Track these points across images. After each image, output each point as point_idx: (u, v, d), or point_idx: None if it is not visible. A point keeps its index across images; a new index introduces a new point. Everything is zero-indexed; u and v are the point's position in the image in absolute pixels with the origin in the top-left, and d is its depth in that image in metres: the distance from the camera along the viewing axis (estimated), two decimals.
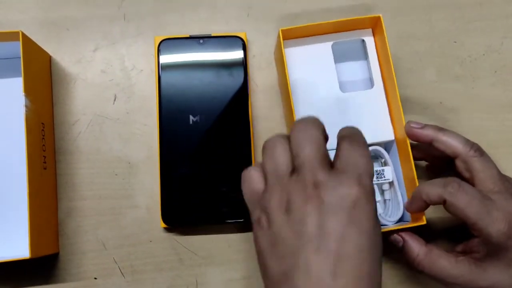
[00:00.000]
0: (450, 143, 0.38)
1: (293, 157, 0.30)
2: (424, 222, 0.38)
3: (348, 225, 0.28)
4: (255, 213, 0.31)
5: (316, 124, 0.31)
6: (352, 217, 0.28)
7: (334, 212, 0.28)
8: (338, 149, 0.31)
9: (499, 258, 0.35)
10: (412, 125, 0.39)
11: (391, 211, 0.42)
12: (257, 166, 0.33)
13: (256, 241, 0.30)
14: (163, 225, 0.42)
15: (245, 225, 0.44)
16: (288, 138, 0.31)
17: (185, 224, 0.43)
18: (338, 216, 0.28)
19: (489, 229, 0.34)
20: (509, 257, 0.35)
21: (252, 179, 0.32)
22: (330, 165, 0.30)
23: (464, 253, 0.38)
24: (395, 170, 0.42)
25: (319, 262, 0.27)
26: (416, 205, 0.37)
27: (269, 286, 0.29)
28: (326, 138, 0.31)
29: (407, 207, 0.39)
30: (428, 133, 0.38)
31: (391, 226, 0.40)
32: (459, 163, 0.38)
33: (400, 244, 0.39)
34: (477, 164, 0.37)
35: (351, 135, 0.32)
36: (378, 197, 0.42)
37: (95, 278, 0.43)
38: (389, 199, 0.42)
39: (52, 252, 0.42)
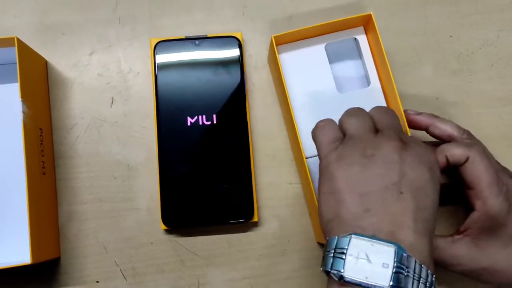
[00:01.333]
0: (445, 127, 0.40)
1: (375, 123, 0.34)
2: None
3: (431, 174, 0.31)
4: (331, 156, 0.33)
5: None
6: (431, 174, 0.31)
7: (418, 165, 0.31)
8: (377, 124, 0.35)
9: (497, 236, 0.36)
10: (409, 111, 0.41)
11: None
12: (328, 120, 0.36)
13: (333, 181, 0.32)
14: (164, 227, 0.42)
15: (245, 225, 0.44)
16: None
17: (186, 226, 0.43)
18: (421, 169, 0.31)
19: (494, 199, 0.35)
20: (506, 235, 0.36)
21: (330, 126, 0.35)
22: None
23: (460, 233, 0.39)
24: None
25: (406, 203, 0.30)
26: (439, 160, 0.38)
27: (341, 225, 0.30)
28: None
29: None
30: (424, 119, 0.40)
31: None
32: None
33: None
34: None
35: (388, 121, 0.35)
36: None
37: (97, 282, 0.43)
38: None
39: (53, 257, 0.42)
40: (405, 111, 0.40)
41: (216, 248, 0.44)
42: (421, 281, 0.28)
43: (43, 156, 0.42)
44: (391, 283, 0.27)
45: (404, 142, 0.32)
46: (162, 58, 0.44)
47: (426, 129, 0.41)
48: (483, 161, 0.36)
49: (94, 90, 0.46)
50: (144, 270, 0.43)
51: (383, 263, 0.27)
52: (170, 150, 0.43)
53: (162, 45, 0.44)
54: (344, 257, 0.28)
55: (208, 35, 0.45)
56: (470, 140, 0.39)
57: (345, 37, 0.44)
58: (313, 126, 0.42)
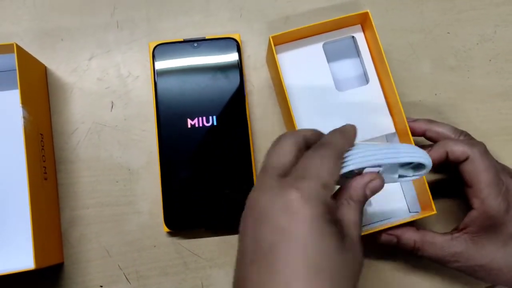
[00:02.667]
0: (442, 130, 0.40)
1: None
2: (434, 212, 0.38)
3: (282, 233, 0.27)
4: None
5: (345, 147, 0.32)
6: (284, 227, 0.27)
7: (269, 217, 0.27)
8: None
9: (496, 234, 0.36)
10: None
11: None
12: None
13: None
14: (166, 229, 0.42)
15: None
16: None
17: (188, 228, 0.43)
18: (273, 222, 0.27)
19: (493, 200, 0.36)
20: (505, 234, 0.36)
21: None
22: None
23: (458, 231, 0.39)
24: None
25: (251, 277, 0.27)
26: (437, 153, 0.37)
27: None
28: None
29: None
30: (420, 125, 0.41)
31: (402, 220, 0.40)
32: None
33: (394, 241, 0.39)
34: None
35: (321, 141, 0.31)
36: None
37: (101, 286, 0.43)
38: None
39: (56, 262, 0.42)
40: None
41: (219, 250, 0.44)
42: None
43: (44, 161, 0.42)
44: None
45: (253, 198, 0.30)
46: (161, 61, 0.44)
47: (423, 135, 0.41)
48: (484, 161, 0.36)
49: (94, 95, 0.46)
50: (148, 273, 0.43)
51: None
52: (171, 152, 0.43)
53: (161, 48, 0.45)
54: None
55: (206, 37, 0.45)
56: (471, 140, 0.39)
57: (343, 36, 0.44)
58: (312, 126, 0.42)
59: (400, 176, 0.34)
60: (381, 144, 0.34)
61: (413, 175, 0.34)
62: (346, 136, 0.32)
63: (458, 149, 0.37)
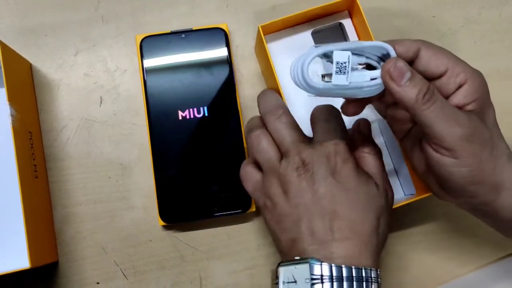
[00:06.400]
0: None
1: (278, 145, 0.35)
2: (430, 193, 0.39)
3: (335, 187, 0.32)
4: (260, 201, 0.35)
5: (283, 107, 0.36)
6: (336, 179, 0.32)
7: (322, 179, 0.32)
8: (313, 128, 0.36)
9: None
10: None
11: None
12: (249, 161, 0.37)
13: (266, 223, 0.35)
14: (162, 223, 0.42)
15: (244, 216, 0.44)
16: (265, 127, 0.36)
17: (184, 220, 0.43)
18: (325, 181, 0.32)
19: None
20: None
21: (249, 175, 0.36)
22: (308, 139, 0.35)
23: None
24: (394, 147, 0.43)
25: (318, 223, 0.32)
26: (404, 47, 0.33)
27: (283, 257, 0.34)
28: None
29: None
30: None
31: (396, 203, 0.40)
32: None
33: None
34: None
35: (323, 114, 0.36)
36: None
37: (98, 283, 0.43)
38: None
39: (51, 261, 0.41)
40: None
41: (215, 241, 0.44)
42: (347, 280, 0.30)
43: (34, 159, 0.41)
44: None
45: (304, 163, 0.33)
46: (149, 53, 0.44)
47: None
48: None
49: (81, 91, 0.45)
50: (145, 268, 0.43)
51: (305, 279, 0.30)
52: (163, 145, 0.43)
53: (148, 40, 0.44)
54: (278, 286, 0.31)
55: (194, 28, 0.45)
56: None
57: (331, 22, 0.44)
58: (303, 113, 0.42)
59: (371, 79, 0.32)
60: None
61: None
62: (269, 97, 0.37)
63: (405, 43, 0.33)
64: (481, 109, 0.33)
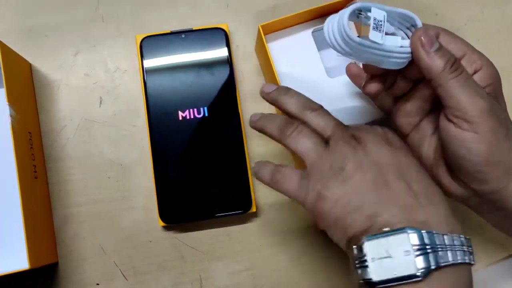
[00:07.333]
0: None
1: (321, 133, 0.33)
2: None
3: (396, 152, 0.32)
4: (310, 195, 0.32)
5: (316, 103, 0.35)
6: (394, 146, 0.33)
7: (381, 147, 0.32)
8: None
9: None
10: None
11: None
12: (270, 163, 0.35)
13: (324, 217, 0.31)
14: (162, 223, 0.42)
15: (244, 217, 0.44)
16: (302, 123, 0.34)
17: (184, 220, 0.42)
18: (385, 148, 0.32)
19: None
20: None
21: (287, 176, 0.33)
22: None
23: None
24: None
25: (397, 187, 0.30)
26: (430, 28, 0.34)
27: (358, 226, 0.30)
28: None
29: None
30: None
31: None
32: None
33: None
34: None
35: None
36: None
37: (98, 284, 0.42)
38: None
39: (51, 262, 0.41)
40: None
41: (216, 242, 0.44)
42: (449, 248, 0.28)
43: (34, 160, 0.41)
44: (420, 266, 0.27)
45: (355, 137, 0.33)
46: (149, 54, 0.44)
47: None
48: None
49: (81, 91, 0.45)
50: (145, 269, 0.43)
51: (404, 252, 0.27)
52: (163, 145, 0.43)
53: (148, 40, 0.44)
54: (367, 263, 0.28)
55: (194, 28, 0.44)
56: None
57: None
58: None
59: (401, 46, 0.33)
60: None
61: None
62: (298, 95, 0.36)
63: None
64: (495, 95, 0.33)
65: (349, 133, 0.33)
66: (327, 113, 0.35)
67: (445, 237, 0.28)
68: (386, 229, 0.28)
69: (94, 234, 0.43)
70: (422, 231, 0.28)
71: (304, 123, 0.34)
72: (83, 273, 0.42)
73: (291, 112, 0.35)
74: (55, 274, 0.42)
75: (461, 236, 0.29)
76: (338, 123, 0.34)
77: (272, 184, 0.34)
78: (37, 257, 0.37)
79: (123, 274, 0.43)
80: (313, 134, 0.33)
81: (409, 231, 0.27)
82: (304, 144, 0.33)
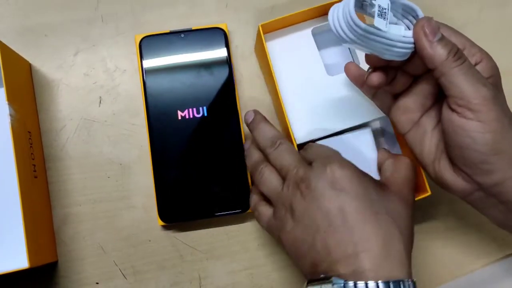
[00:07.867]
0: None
1: (279, 172, 0.36)
2: (429, 193, 0.38)
3: (340, 197, 0.32)
4: (275, 235, 0.36)
5: (279, 137, 0.37)
6: (338, 189, 0.32)
7: (324, 192, 0.32)
8: (305, 150, 0.38)
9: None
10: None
11: None
12: (256, 196, 0.38)
13: (286, 249, 0.35)
14: (161, 223, 0.42)
15: (243, 216, 0.44)
16: (266, 160, 0.37)
17: (183, 220, 0.43)
18: (329, 193, 0.32)
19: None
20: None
21: (261, 214, 0.37)
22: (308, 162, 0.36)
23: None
24: (393, 145, 0.44)
25: (331, 241, 0.31)
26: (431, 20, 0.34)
27: (307, 270, 0.33)
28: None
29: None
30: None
31: None
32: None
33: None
34: None
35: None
36: None
37: (97, 283, 0.43)
38: None
39: (50, 261, 0.41)
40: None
41: (215, 241, 0.44)
42: None
43: (33, 159, 0.41)
44: None
45: (304, 180, 0.33)
46: (148, 53, 0.44)
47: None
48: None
49: (81, 91, 0.45)
50: (144, 268, 0.43)
51: None
52: (162, 145, 0.43)
53: (147, 40, 0.44)
54: None
55: (193, 28, 0.45)
56: None
57: None
58: (303, 112, 0.42)
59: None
60: None
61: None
62: (264, 129, 0.38)
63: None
64: (496, 87, 0.33)
65: (298, 174, 0.34)
66: (286, 149, 0.36)
67: (369, 283, 0.29)
68: (322, 275, 0.31)
69: (94, 233, 0.43)
70: (349, 282, 0.29)
71: (268, 160, 0.37)
72: (83, 272, 0.43)
73: (260, 147, 0.38)
74: (55, 273, 0.42)
75: (402, 280, 0.30)
76: (292, 162, 0.35)
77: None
78: (37, 256, 0.38)
79: (122, 273, 0.43)
80: (273, 175, 0.36)
81: (335, 281, 0.30)
82: (266, 186, 0.36)
